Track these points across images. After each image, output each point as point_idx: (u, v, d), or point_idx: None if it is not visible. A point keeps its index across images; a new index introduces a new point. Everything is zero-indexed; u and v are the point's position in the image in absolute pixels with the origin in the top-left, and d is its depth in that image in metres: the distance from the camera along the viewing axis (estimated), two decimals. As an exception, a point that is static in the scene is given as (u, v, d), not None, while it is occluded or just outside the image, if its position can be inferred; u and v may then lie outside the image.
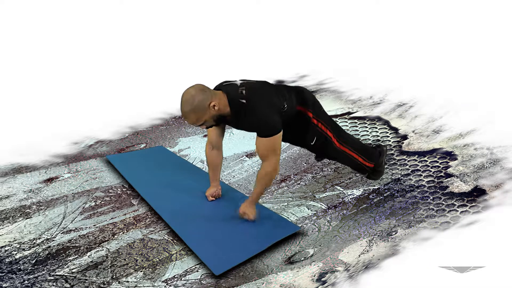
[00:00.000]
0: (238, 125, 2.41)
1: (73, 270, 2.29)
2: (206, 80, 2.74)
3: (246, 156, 3.27)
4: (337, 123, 2.72)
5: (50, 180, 3.03)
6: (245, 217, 2.49)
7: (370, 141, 3.35)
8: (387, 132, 3.45)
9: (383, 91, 4.02)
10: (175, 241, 2.47)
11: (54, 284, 2.20)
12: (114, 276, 2.25)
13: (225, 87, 2.34)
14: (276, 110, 2.29)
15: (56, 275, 2.26)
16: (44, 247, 2.44)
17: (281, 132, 2.30)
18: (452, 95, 3.72)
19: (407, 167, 3.01)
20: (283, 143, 2.56)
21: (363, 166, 2.70)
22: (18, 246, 2.45)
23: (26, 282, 2.21)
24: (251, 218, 2.47)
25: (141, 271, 2.28)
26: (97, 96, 4.11)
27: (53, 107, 3.92)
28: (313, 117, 2.46)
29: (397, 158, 3.12)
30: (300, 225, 2.55)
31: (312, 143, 2.51)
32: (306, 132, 2.48)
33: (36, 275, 2.26)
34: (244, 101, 2.26)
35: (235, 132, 3.53)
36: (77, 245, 2.45)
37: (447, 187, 2.76)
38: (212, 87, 2.41)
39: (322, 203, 2.74)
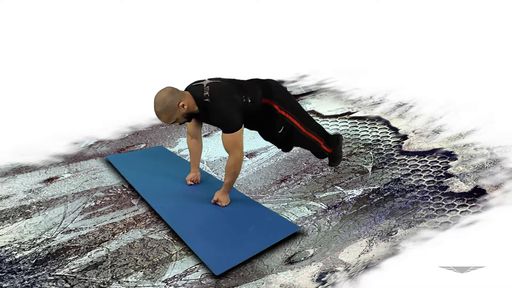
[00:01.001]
0: (206, 121, 2.64)
1: (73, 270, 2.28)
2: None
3: (246, 156, 3.27)
4: (307, 112, 2.86)
5: (50, 180, 3.03)
6: (218, 204, 2.67)
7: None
8: (387, 132, 3.45)
9: (383, 91, 4.02)
10: (175, 241, 2.47)
11: (54, 284, 2.20)
12: (114, 276, 2.25)
13: (193, 87, 2.56)
14: (237, 106, 2.50)
15: (56, 275, 2.26)
16: (44, 247, 2.44)
17: (242, 128, 2.52)
18: (452, 95, 3.72)
19: (407, 167, 3.01)
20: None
21: (322, 150, 2.83)
22: (18, 246, 2.45)
23: (26, 282, 2.21)
24: (223, 205, 2.66)
25: (141, 271, 2.28)
26: (97, 96, 4.11)
27: (53, 107, 3.92)
28: (279, 108, 2.63)
29: (397, 158, 3.12)
30: (300, 225, 2.55)
31: (279, 132, 2.68)
32: (274, 122, 2.67)
33: (36, 275, 2.26)
34: (208, 100, 2.48)
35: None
36: (77, 245, 2.45)
37: (447, 187, 2.76)
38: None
39: (322, 203, 2.74)
